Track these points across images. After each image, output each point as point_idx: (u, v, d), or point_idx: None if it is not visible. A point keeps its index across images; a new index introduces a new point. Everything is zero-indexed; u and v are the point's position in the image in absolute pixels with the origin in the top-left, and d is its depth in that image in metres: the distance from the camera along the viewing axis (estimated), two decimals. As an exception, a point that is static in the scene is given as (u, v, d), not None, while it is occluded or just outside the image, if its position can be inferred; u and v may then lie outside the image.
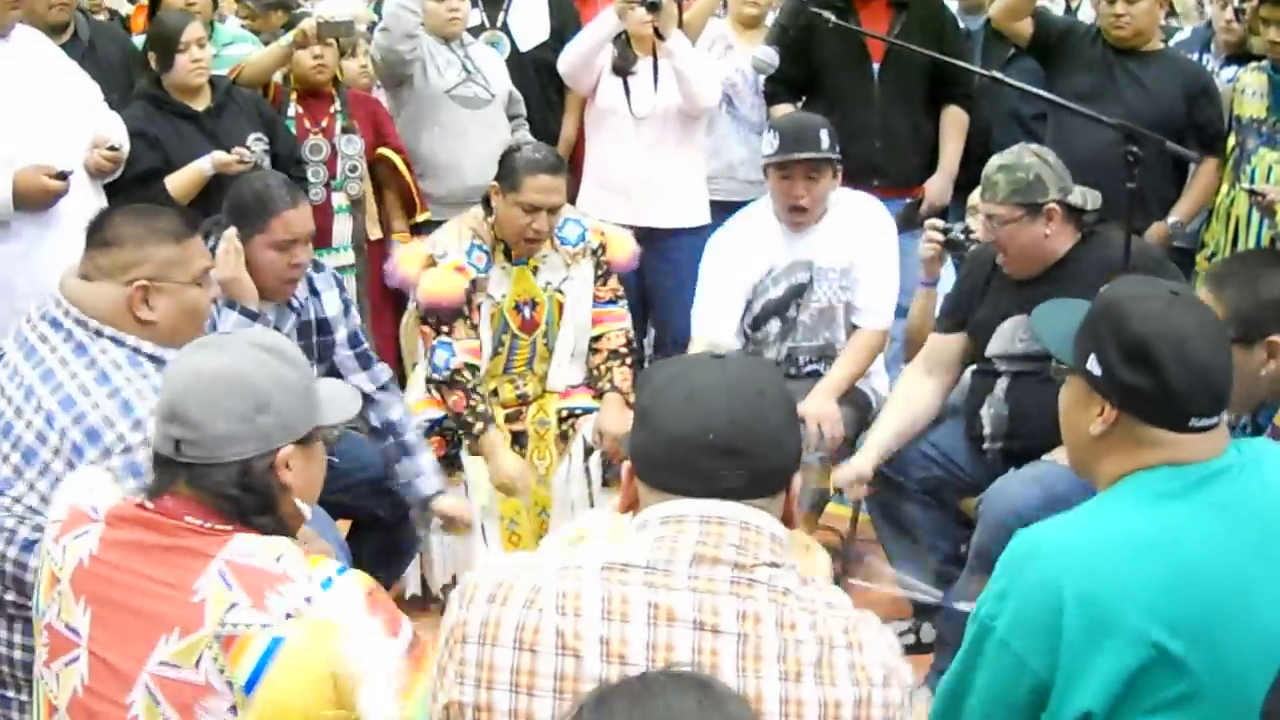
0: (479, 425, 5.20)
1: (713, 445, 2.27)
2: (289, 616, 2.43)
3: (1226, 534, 2.58)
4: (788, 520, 2.37)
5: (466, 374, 5.22)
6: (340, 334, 4.93)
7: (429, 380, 5.29)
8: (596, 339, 5.56)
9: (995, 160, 4.87)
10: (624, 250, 5.63)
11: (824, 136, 5.36)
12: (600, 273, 5.54)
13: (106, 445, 3.21)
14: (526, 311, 5.43)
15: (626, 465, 2.41)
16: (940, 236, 5.45)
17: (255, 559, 2.50)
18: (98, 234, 3.52)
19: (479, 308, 5.32)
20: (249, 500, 2.60)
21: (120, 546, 2.57)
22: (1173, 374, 2.60)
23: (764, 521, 2.28)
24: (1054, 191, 4.72)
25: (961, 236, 5.40)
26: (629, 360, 5.57)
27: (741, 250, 5.57)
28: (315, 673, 2.41)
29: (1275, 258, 4.29)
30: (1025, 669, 2.54)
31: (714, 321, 5.54)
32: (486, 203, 5.37)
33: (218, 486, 2.58)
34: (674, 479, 2.30)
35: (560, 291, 5.46)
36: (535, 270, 5.42)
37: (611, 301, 5.59)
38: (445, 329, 5.25)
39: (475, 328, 5.31)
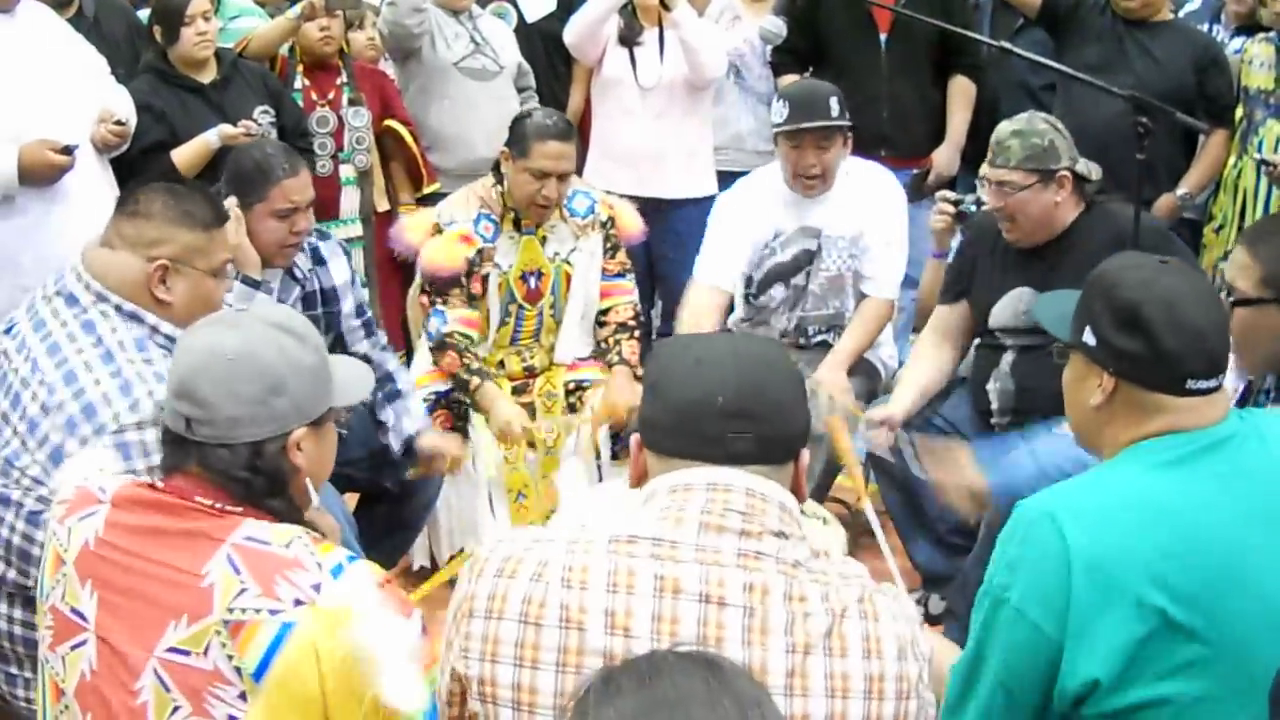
0: (475, 380, 5.21)
1: (721, 408, 2.28)
2: (299, 604, 2.40)
3: (1230, 502, 2.58)
4: (797, 493, 2.37)
5: (458, 337, 5.22)
6: (347, 304, 4.92)
7: (429, 348, 5.30)
8: (604, 312, 5.56)
9: (1006, 125, 4.82)
10: (632, 223, 5.64)
11: (834, 104, 5.34)
12: (609, 245, 5.54)
13: (102, 422, 3.22)
14: (532, 281, 5.42)
15: (635, 438, 2.41)
16: (952, 209, 5.43)
17: (265, 545, 2.47)
18: (129, 204, 3.54)
19: (485, 278, 5.32)
20: (259, 482, 2.57)
21: (127, 529, 2.54)
22: (1164, 336, 2.63)
23: (771, 490, 2.28)
24: (1065, 159, 4.70)
25: (973, 208, 5.38)
26: (637, 333, 5.57)
27: (748, 212, 5.56)
28: (327, 659, 2.38)
29: None
30: (1041, 635, 2.53)
31: (717, 270, 5.53)
32: (496, 170, 5.37)
33: (228, 467, 2.55)
34: (682, 444, 2.30)
35: (568, 262, 5.46)
36: (544, 240, 5.42)
37: (620, 275, 5.59)
38: (441, 299, 5.26)
39: (474, 299, 5.31)
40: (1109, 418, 2.72)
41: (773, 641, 2.18)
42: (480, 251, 5.28)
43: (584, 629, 2.18)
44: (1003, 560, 2.62)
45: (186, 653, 2.42)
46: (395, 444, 4.90)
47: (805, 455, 2.38)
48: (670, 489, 2.28)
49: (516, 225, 5.37)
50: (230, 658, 2.39)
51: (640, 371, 5.34)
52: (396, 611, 2.46)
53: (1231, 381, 3.68)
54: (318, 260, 4.87)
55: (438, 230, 5.30)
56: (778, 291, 5.57)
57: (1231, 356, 3.30)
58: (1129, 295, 2.67)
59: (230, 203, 4.50)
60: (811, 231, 5.49)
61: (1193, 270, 2.84)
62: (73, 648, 2.56)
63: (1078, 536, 2.51)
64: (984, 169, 4.83)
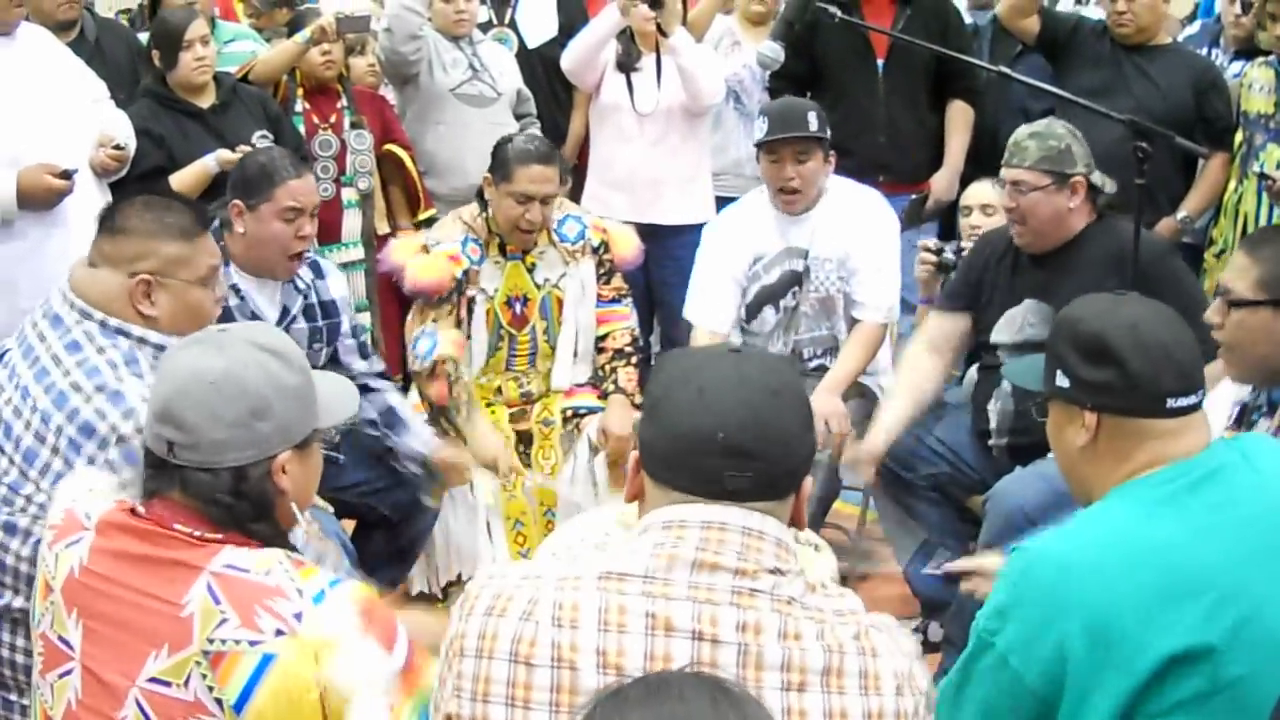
0: (462, 412, 5.19)
1: (722, 445, 2.22)
2: (280, 634, 2.37)
3: (1226, 536, 2.56)
4: (796, 521, 2.33)
5: (450, 366, 5.20)
6: (344, 321, 4.92)
7: (412, 372, 5.29)
8: (602, 338, 5.54)
9: (1025, 128, 4.87)
10: (628, 247, 5.62)
11: (812, 119, 5.34)
12: (603, 271, 5.53)
13: (102, 437, 3.20)
14: (517, 307, 5.41)
15: (634, 455, 2.37)
16: (933, 258, 5.45)
17: (245, 572, 2.44)
18: (109, 221, 3.51)
19: (472, 300, 5.32)
20: (243, 507, 2.54)
21: (110, 556, 2.52)
22: (1133, 359, 2.64)
23: (769, 527, 2.24)
24: (1081, 165, 4.73)
25: (953, 258, 5.39)
26: (634, 360, 5.54)
27: (734, 238, 5.55)
28: (305, 692, 2.36)
29: None
30: (1021, 686, 2.52)
31: (708, 311, 5.53)
32: (481, 197, 5.37)
33: (211, 493, 2.52)
34: (679, 477, 2.25)
35: (558, 288, 5.44)
36: (532, 267, 5.41)
37: (616, 300, 5.57)
38: (432, 314, 5.25)
39: (461, 323, 5.30)
40: (1096, 456, 2.72)
41: (767, 678, 2.15)
42: (466, 272, 5.27)
43: (576, 668, 2.15)
44: (992, 603, 2.61)
45: (168, 684, 2.40)
46: (412, 467, 4.91)
47: (808, 484, 2.33)
48: (664, 524, 2.23)
49: (502, 251, 5.37)
50: (211, 689, 2.37)
51: (638, 399, 5.34)
52: (379, 640, 2.44)
53: (1228, 401, 3.68)
54: (318, 274, 4.87)
55: (426, 252, 5.28)
56: (769, 314, 5.56)
57: (1225, 379, 3.31)
58: (1091, 327, 2.70)
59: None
60: (797, 252, 5.47)
61: (1147, 299, 2.84)
62: (60, 676, 2.54)
63: (1075, 590, 2.50)
64: (966, 195, 4.84)
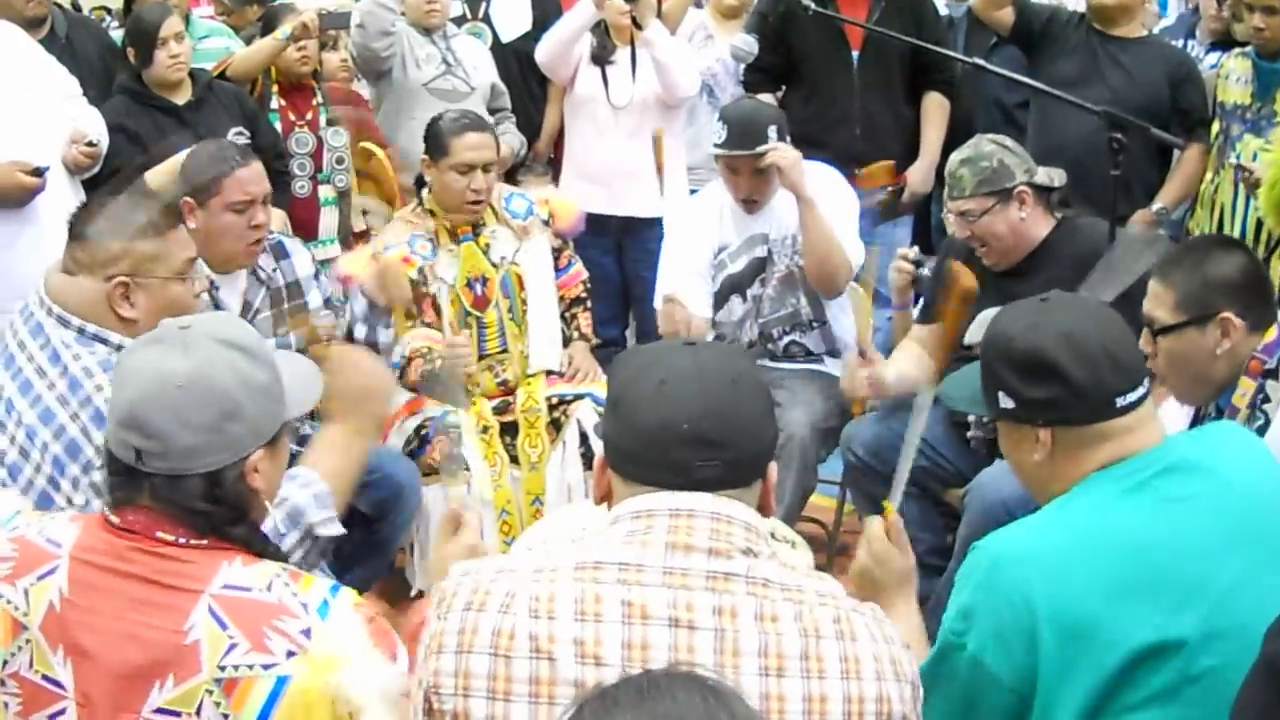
0: (439, 361, 5.17)
1: (686, 436, 2.23)
2: (291, 654, 2.33)
3: (1191, 527, 2.57)
4: (764, 508, 2.33)
5: (421, 349, 5.22)
6: (314, 297, 4.94)
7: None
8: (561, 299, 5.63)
9: (954, 157, 4.86)
10: (568, 215, 5.67)
11: (772, 134, 5.25)
12: (555, 247, 5.60)
13: (87, 459, 3.18)
14: (478, 288, 5.41)
15: (599, 457, 2.38)
16: (910, 268, 5.43)
17: (246, 591, 2.38)
18: (78, 226, 3.45)
19: (434, 297, 5.32)
20: (221, 512, 2.45)
21: (94, 587, 2.41)
22: (1073, 370, 2.63)
23: (736, 510, 2.24)
24: (1020, 174, 4.72)
25: (928, 274, 5.39)
26: (588, 303, 5.70)
27: (696, 229, 5.54)
28: (320, 708, 2.32)
29: (1221, 241, 4.33)
30: (998, 684, 2.53)
31: (679, 279, 5.49)
32: (419, 187, 5.40)
33: (187, 500, 2.43)
34: (646, 471, 2.26)
35: (516, 264, 5.47)
36: (486, 248, 5.43)
37: (569, 265, 5.68)
38: (407, 328, 5.28)
39: (431, 324, 5.31)
40: (1055, 466, 2.71)
41: (745, 664, 2.15)
42: (421, 270, 5.27)
43: (554, 659, 2.14)
44: (956, 603, 2.61)
45: (177, 714, 2.34)
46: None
47: (773, 471, 2.35)
48: (634, 514, 2.24)
49: (453, 236, 5.37)
50: (225, 716, 2.32)
51: (595, 341, 5.63)
52: (384, 650, 2.40)
53: (1182, 414, 3.69)
54: (281, 255, 4.88)
55: (375, 261, 5.26)
56: (736, 304, 5.54)
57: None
58: (1024, 345, 2.68)
59: None
60: (759, 238, 5.45)
61: (1072, 297, 2.84)
62: (50, 717, 2.42)
63: (1041, 586, 2.50)
64: (945, 204, 4.82)
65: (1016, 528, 2.67)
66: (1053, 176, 4.77)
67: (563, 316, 5.62)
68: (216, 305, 4.57)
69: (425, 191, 5.41)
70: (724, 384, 2.28)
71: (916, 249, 5.64)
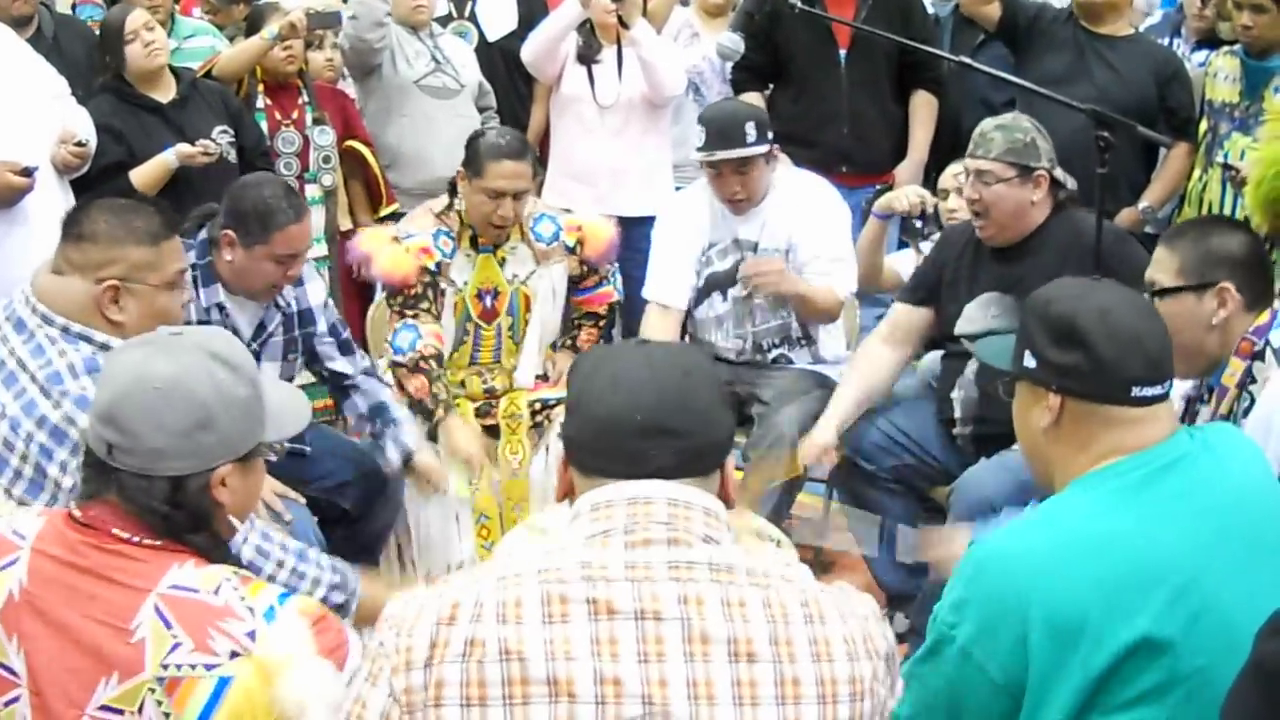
0: (440, 412, 5.17)
1: (641, 425, 2.28)
2: (234, 655, 2.34)
3: (1185, 526, 2.57)
4: (725, 500, 2.36)
5: (432, 363, 5.18)
6: (321, 325, 4.91)
7: (392, 363, 5.25)
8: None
9: (990, 120, 4.89)
10: (602, 240, 5.56)
11: (750, 130, 5.28)
12: (585, 270, 5.55)
13: (74, 442, 3.19)
14: (488, 300, 5.40)
15: (561, 456, 2.42)
16: (905, 206, 5.45)
17: (194, 593, 2.40)
18: (73, 227, 3.46)
19: (443, 293, 5.30)
20: (180, 517, 2.48)
21: (51, 579, 2.45)
22: (1101, 344, 2.64)
23: (694, 497, 2.27)
24: (1045, 160, 4.76)
25: (919, 224, 5.40)
26: (601, 322, 5.67)
27: (686, 223, 5.56)
28: (262, 711, 2.33)
29: (1229, 221, 4.44)
30: (985, 678, 2.53)
31: (664, 286, 5.55)
32: (453, 189, 5.34)
33: (148, 500, 2.46)
34: (604, 462, 2.30)
35: (526, 285, 5.43)
36: (503, 261, 5.39)
37: (597, 285, 5.64)
38: (412, 313, 5.22)
39: (438, 317, 5.28)
40: (1059, 439, 2.72)
41: (714, 651, 2.16)
42: (439, 265, 5.25)
43: (525, 659, 2.14)
44: (950, 597, 2.61)
45: (120, 711, 2.36)
46: (395, 458, 4.92)
47: (731, 462, 2.39)
48: (592, 506, 2.27)
49: (473, 243, 5.35)
50: (167, 715, 2.34)
51: None
52: (330, 657, 2.41)
53: (1176, 398, 3.70)
54: (299, 281, 4.84)
55: (396, 243, 5.26)
56: (717, 300, 5.56)
57: None
58: (1062, 309, 2.69)
59: None
60: (747, 245, 5.47)
61: (1121, 285, 2.85)
62: (6, 704, 2.46)
63: (1032, 580, 2.50)
64: (944, 178, 4.83)
65: (1013, 526, 2.68)
66: (1066, 179, 4.80)
67: (571, 323, 5.62)
68: (232, 331, 4.55)
69: (457, 198, 5.34)
70: (676, 376, 2.33)
71: (927, 192, 5.64)
